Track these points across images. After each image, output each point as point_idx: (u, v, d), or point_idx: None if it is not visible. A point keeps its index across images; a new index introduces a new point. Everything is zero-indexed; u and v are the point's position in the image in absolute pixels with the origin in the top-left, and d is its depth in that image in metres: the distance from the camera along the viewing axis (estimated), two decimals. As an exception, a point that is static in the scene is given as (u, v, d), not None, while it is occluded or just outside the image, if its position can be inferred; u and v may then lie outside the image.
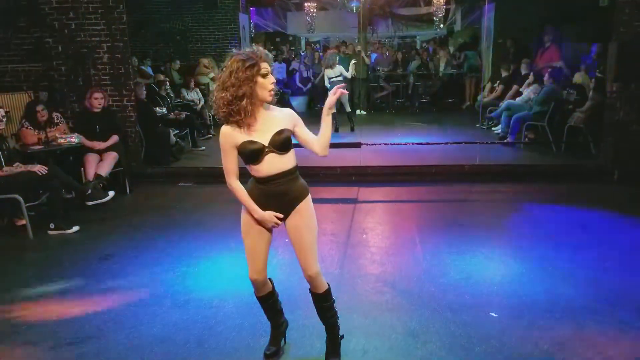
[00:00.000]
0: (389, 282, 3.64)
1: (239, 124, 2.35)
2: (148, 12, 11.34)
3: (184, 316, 3.20)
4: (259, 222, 2.48)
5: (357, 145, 6.54)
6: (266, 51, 2.38)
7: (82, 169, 5.60)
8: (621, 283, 3.55)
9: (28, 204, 4.73)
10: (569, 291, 3.43)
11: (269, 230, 2.53)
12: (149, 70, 9.95)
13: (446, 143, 7.25)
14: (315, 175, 6.38)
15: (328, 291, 2.61)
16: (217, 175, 6.60)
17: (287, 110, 2.49)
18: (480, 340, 2.86)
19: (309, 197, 2.53)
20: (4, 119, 4.91)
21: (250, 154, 2.37)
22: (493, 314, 3.15)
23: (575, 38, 9.20)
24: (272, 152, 2.37)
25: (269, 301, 2.71)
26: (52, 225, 4.76)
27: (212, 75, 10.62)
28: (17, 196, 4.61)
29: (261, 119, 2.39)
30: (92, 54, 6.43)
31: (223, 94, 2.31)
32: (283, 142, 2.38)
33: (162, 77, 9.21)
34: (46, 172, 4.78)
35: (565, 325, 3.00)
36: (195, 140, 8.12)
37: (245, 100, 2.29)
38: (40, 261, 4.27)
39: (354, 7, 11.97)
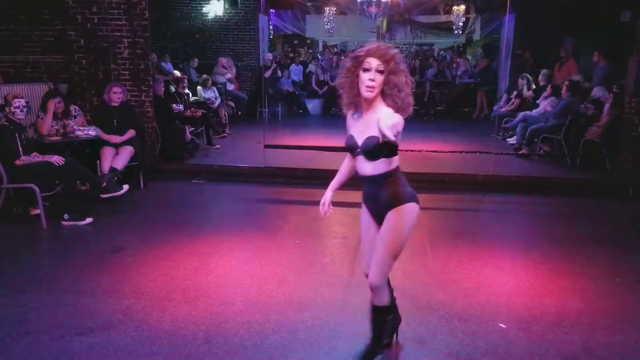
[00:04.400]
0: (398, 288, 3.59)
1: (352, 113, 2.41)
2: (169, 10, 11.47)
3: (193, 312, 3.22)
4: (367, 217, 2.53)
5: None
6: (385, 46, 2.27)
7: (98, 161, 5.66)
8: (631, 300, 3.51)
9: (43, 194, 4.78)
10: (579, 305, 3.40)
11: (376, 230, 2.50)
12: (170, 67, 10.04)
13: (460, 152, 7.22)
14: (327, 178, 6.38)
15: (385, 309, 2.55)
16: (230, 174, 6.74)
17: (389, 114, 2.18)
18: (487, 351, 2.84)
19: (402, 208, 2.38)
20: (25, 109, 4.99)
21: (347, 148, 2.43)
22: (501, 325, 3.13)
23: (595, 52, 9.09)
24: (362, 155, 2.35)
25: (380, 312, 2.68)
26: (66, 216, 4.82)
27: (229, 75, 10.69)
28: (33, 185, 4.68)
29: (369, 117, 2.32)
30: (113, 48, 6.51)
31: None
32: (369, 150, 2.30)
33: (180, 74, 9.29)
34: (63, 163, 4.85)
35: (574, 339, 2.97)
36: (210, 138, 8.18)
37: (347, 90, 2.34)
38: (52, 251, 4.34)
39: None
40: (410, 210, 2.40)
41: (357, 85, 2.30)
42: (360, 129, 2.35)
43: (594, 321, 3.19)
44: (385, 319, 2.60)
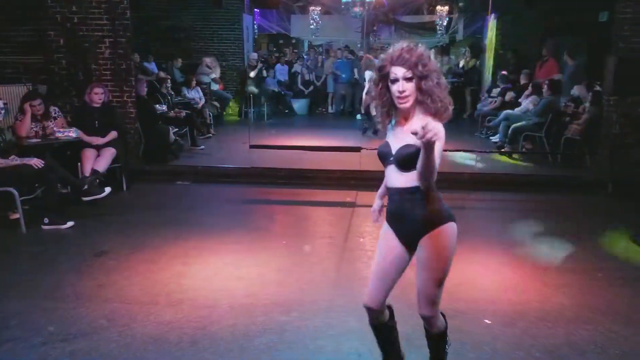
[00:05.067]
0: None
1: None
2: (152, 9, 11.34)
3: (178, 315, 3.19)
4: (390, 240, 2.27)
5: (357, 149, 6.56)
6: (407, 48, 2.05)
7: (79, 164, 5.57)
8: (612, 293, 3.58)
9: (22, 198, 4.68)
10: (562, 300, 3.45)
11: (401, 256, 2.27)
12: (153, 66, 9.93)
13: (445, 150, 7.26)
14: (314, 178, 6.39)
15: (441, 335, 2.40)
16: (214, 175, 6.69)
17: (433, 124, 1.84)
18: (473, 347, 2.87)
19: (442, 231, 2.16)
20: (2, 111, 4.88)
21: (380, 156, 2.21)
22: (487, 321, 3.16)
23: (575, 51, 9.25)
24: (393, 164, 2.14)
25: (382, 332, 2.47)
26: (46, 220, 4.72)
27: (213, 75, 10.62)
28: (11, 189, 4.57)
29: (406, 126, 2.13)
30: (94, 48, 6.41)
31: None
32: (403, 159, 2.09)
33: (163, 74, 9.21)
34: (42, 165, 4.75)
35: (557, 333, 3.02)
36: (194, 139, 8.11)
37: (378, 103, 2.17)
38: (33, 256, 4.23)
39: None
40: (451, 231, 2.19)
41: (388, 97, 2.14)
42: (397, 137, 2.17)
43: (576, 315, 3.24)
44: (444, 340, 2.44)
